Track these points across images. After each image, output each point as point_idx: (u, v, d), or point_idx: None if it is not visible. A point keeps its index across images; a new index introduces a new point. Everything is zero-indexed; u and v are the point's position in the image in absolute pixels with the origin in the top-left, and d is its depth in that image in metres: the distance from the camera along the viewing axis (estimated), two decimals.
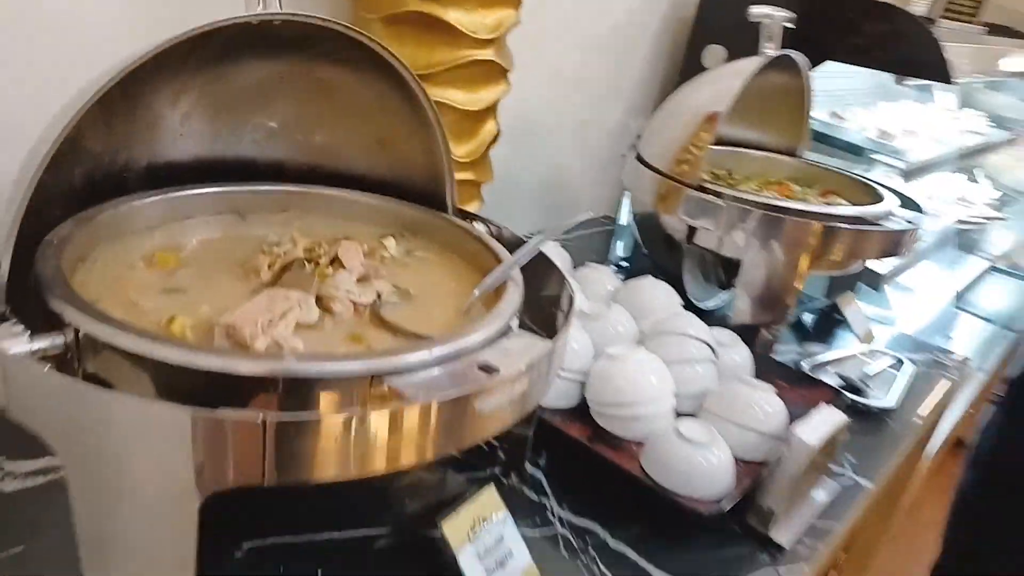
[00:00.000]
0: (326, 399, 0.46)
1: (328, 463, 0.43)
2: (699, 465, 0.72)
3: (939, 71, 1.21)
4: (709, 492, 0.72)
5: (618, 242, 1.36)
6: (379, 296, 0.60)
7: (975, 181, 2.08)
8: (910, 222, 1.06)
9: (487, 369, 0.50)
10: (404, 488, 0.74)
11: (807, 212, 1.02)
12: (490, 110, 0.97)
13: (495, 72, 0.94)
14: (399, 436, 0.45)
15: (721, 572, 0.70)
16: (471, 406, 0.47)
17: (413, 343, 0.53)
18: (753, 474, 0.75)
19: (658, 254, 1.18)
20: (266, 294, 0.54)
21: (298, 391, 0.46)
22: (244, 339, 0.50)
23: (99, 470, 0.44)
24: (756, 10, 1.08)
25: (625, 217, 1.31)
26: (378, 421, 0.43)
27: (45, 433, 0.43)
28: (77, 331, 0.45)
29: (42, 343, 0.45)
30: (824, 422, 0.76)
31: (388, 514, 0.70)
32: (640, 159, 1.12)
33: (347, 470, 0.44)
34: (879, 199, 1.10)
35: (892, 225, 1.03)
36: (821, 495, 0.82)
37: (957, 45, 1.43)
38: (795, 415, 0.78)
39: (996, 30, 1.84)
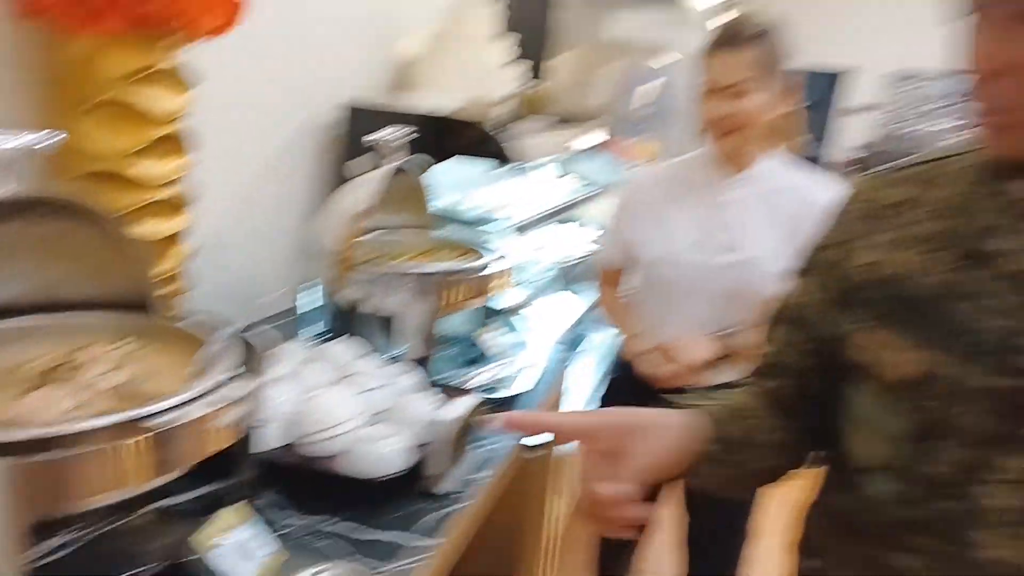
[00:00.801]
0: (107, 439, 0.70)
1: (116, 479, 0.67)
2: (388, 454, 1.05)
3: (515, 158, 1.75)
4: (394, 469, 1.05)
5: (310, 322, 1.66)
6: (126, 379, 0.83)
7: (582, 227, 2.78)
8: (508, 267, 1.54)
9: (221, 400, 0.78)
10: (167, 527, 0.95)
11: (439, 272, 1.43)
12: (176, 236, 1.22)
13: (176, 207, 1.20)
14: (163, 451, 0.71)
15: (413, 520, 1.03)
16: (212, 424, 0.75)
17: (161, 397, 0.78)
18: (424, 452, 1.10)
19: (342, 323, 1.50)
20: (42, 391, 0.75)
21: (86, 441, 0.69)
22: (39, 422, 0.71)
23: None
24: (374, 136, 1.49)
25: (312, 301, 1.62)
26: (149, 442, 0.69)
27: None
28: None
29: None
30: (460, 406, 1.14)
31: (157, 549, 0.91)
32: (316, 253, 1.45)
33: (134, 481, 0.69)
34: (485, 253, 1.56)
35: (490, 270, 1.49)
36: (473, 457, 1.20)
37: (533, 137, 2.01)
38: None
39: (565, 119, 2.55)
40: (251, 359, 0.93)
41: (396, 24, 2.15)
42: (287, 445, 1.09)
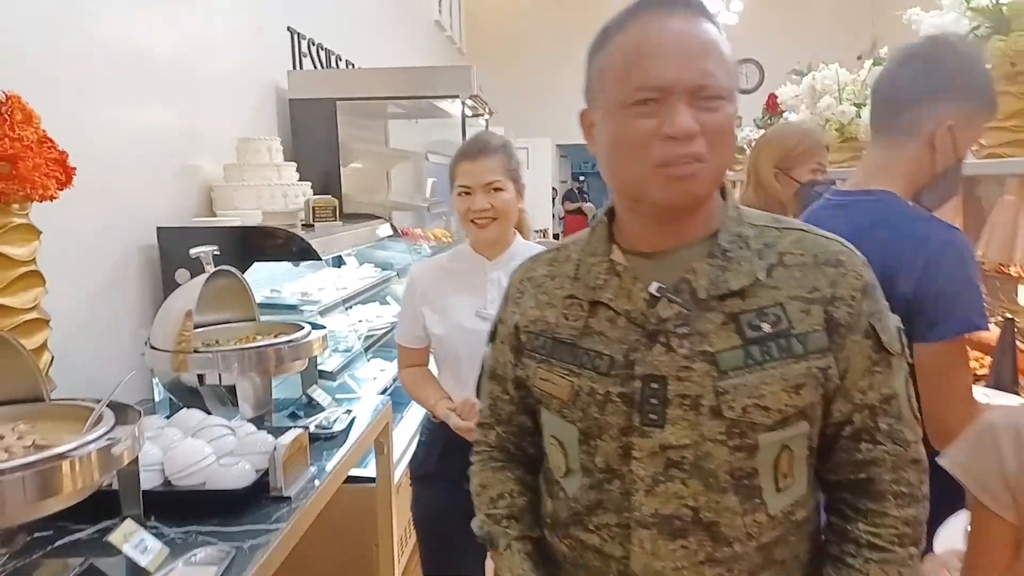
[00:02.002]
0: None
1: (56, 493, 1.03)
2: (238, 474, 1.43)
3: (313, 254, 2.20)
4: (246, 484, 1.43)
5: (158, 400, 1.98)
6: (34, 441, 1.17)
7: (387, 303, 3.25)
8: (322, 336, 1.97)
9: (112, 439, 1.15)
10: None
11: (262, 345, 1.83)
12: (42, 348, 1.54)
13: (38, 326, 1.53)
14: (84, 470, 1.07)
15: (266, 516, 1.40)
16: (110, 453, 1.12)
17: (68, 443, 1.13)
18: (265, 470, 1.49)
19: (188, 399, 1.85)
20: None
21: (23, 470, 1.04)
22: None
23: None
24: (194, 251, 1.88)
25: (158, 391, 1.95)
26: (70, 464, 1.05)
27: None
28: None
29: None
30: (291, 435, 1.54)
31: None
32: (154, 348, 1.80)
33: (67, 495, 1.04)
34: (301, 328, 1.98)
35: (309, 339, 1.92)
36: (308, 472, 1.60)
37: (333, 234, 2.47)
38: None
39: (359, 217, 3.05)
40: (126, 418, 1.30)
41: (196, 158, 2.56)
42: (165, 482, 1.43)
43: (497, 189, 1.66)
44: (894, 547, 0.86)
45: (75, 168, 1.55)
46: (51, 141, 1.51)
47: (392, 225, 3.21)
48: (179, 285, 2.10)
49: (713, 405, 0.81)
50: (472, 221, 1.67)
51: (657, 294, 0.84)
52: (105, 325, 2.02)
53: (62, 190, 1.53)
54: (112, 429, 1.20)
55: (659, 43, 0.80)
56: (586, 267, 0.91)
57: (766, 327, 0.82)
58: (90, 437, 1.15)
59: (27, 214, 1.50)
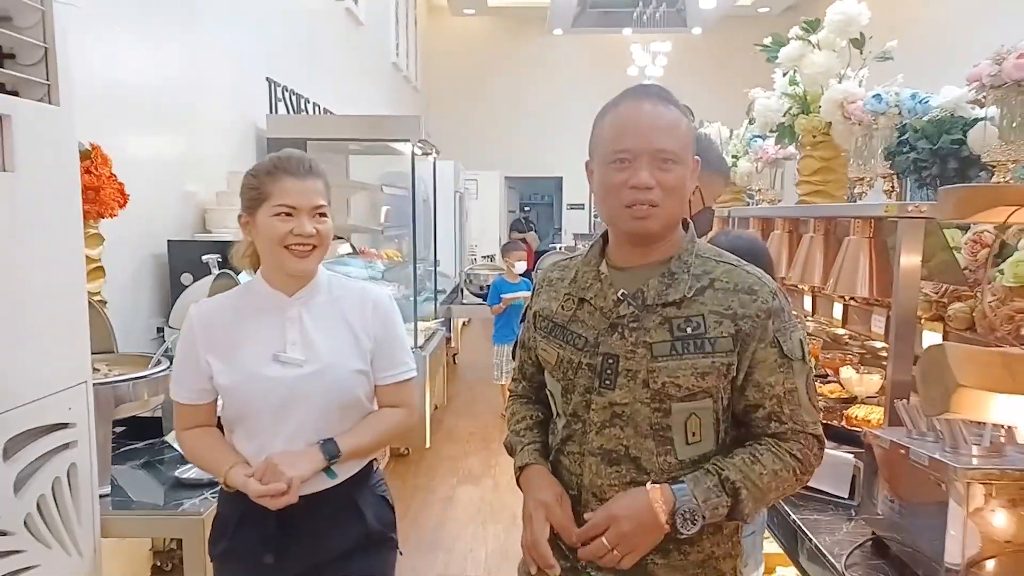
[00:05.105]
0: None
1: None
2: None
3: None
4: None
5: None
6: (120, 372, 1.80)
7: None
8: None
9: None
10: None
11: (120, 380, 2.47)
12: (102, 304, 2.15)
13: (99, 303, 2.15)
14: (156, 388, 1.71)
15: None
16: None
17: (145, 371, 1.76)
18: None
19: None
20: None
21: None
22: None
23: None
24: (205, 257, 2.51)
25: None
26: (146, 382, 1.70)
27: None
28: None
29: None
30: None
31: None
32: (171, 327, 2.41)
33: None
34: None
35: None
36: None
37: None
38: None
39: None
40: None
41: (192, 185, 3.19)
42: None
43: (323, 215, 1.43)
44: (787, 456, 1.13)
45: (129, 195, 2.19)
46: (115, 176, 2.14)
47: (352, 244, 3.87)
48: (184, 285, 2.73)
49: (645, 378, 1.12)
50: (288, 247, 1.40)
51: (621, 298, 1.15)
52: (127, 310, 2.63)
53: (121, 209, 2.17)
54: (167, 368, 1.84)
55: (634, 120, 1.11)
56: (581, 274, 1.23)
57: (689, 330, 1.12)
58: (158, 369, 1.78)
59: (98, 227, 2.13)
